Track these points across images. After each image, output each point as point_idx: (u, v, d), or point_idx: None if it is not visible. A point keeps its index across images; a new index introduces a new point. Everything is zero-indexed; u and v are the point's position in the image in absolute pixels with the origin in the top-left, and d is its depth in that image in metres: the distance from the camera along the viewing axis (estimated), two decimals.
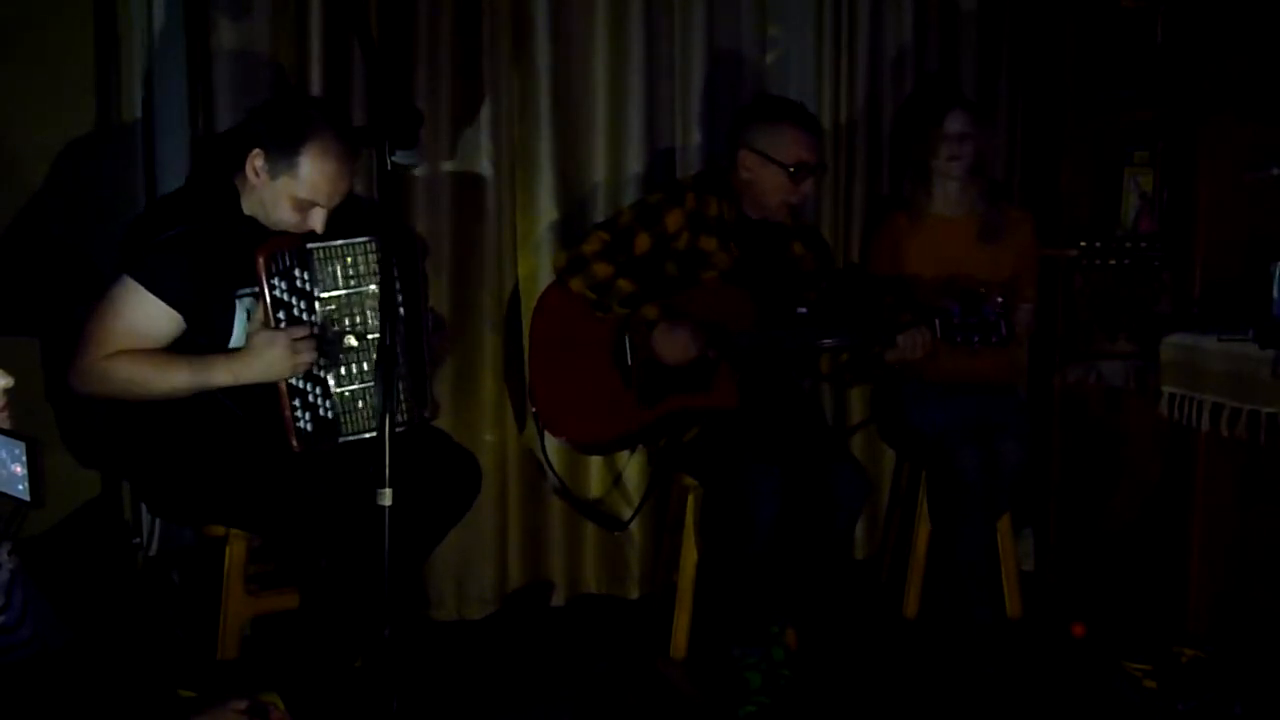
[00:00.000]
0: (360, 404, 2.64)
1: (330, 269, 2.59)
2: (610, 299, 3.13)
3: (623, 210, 3.30)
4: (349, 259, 2.61)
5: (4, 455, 1.61)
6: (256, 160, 2.59)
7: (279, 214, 2.62)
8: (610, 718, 2.96)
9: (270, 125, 2.60)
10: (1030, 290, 3.49)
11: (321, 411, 2.60)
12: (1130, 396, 3.58)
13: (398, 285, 2.55)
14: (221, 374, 2.54)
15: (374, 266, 2.62)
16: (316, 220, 2.62)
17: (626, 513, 3.60)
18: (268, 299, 2.53)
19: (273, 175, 2.59)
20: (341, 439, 2.62)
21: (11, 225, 3.02)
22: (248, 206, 2.65)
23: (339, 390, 2.62)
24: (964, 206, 3.50)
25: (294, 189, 2.58)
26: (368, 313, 2.63)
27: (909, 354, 3.08)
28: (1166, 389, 3.24)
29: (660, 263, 3.20)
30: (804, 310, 3.22)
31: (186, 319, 2.55)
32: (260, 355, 2.52)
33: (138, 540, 3.21)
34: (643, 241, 3.18)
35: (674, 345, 3.10)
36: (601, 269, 3.14)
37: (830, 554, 3.13)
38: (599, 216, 3.49)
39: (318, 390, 2.60)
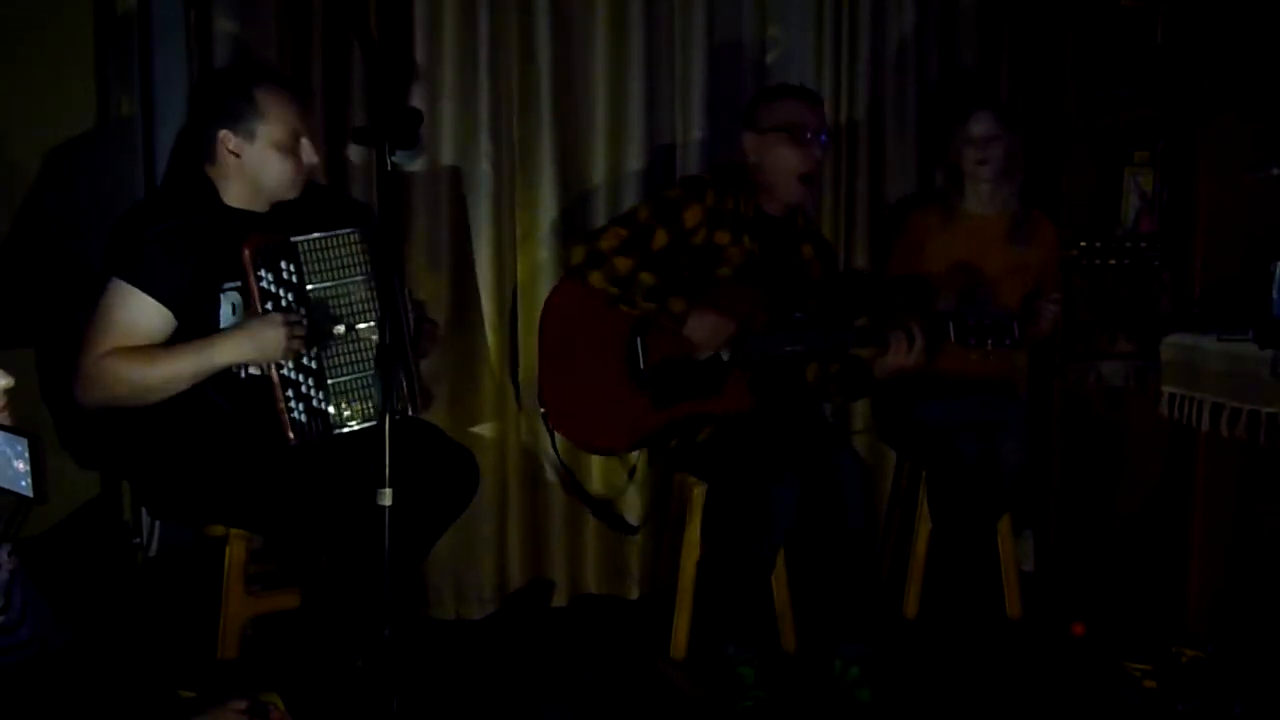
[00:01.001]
0: (352, 394, 2.64)
1: (315, 260, 2.60)
2: (634, 293, 3.08)
3: (638, 206, 3.24)
4: (333, 250, 2.62)
5: (7, 451, 1.60)
6: (228, 141, 2.61)
7: (273, 172, 2.63)
8: (610, 718, 2.96)
9: (216, 105, 2.63)
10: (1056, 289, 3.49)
11: (315, 402, 2.60)
12: (1130, 396, 3.58)
13: (398, 282, 2.55)
14: (222, 353, 2.53)
15: (358, 257, 2.64)
16: (308, 151, 2.66)
17: (627, 511, 3.59)
18: (255, 291, 2.53)
19: (250, 138, 2.61)
20: (335, 430, 2.62)
21: (11, 225, 3.02)
22: (232, 196, 2.66)
23: (330, 380, 2.62)
24: (995, 206, 3.50)
25: (274, 133, 2.61)
26: (354, 303, 2.64)
27: (897, 360, 3.04)
28: (1166, 389, 3.23)
29: (677, 259, 3.16)
30: (801, 316, 3.21)
31: (176, 314, 2.54)
32: (256, 334, 2.52)
33: (138, 540, 3.21)
34: (660, 237, 3.14)
35: (708, 330, 3.06)
36: (623, 263, 3.08)
37: (844, 555, 3.10)
38: (599, 214, 3.49)
39: (310, 381, 2.60)
